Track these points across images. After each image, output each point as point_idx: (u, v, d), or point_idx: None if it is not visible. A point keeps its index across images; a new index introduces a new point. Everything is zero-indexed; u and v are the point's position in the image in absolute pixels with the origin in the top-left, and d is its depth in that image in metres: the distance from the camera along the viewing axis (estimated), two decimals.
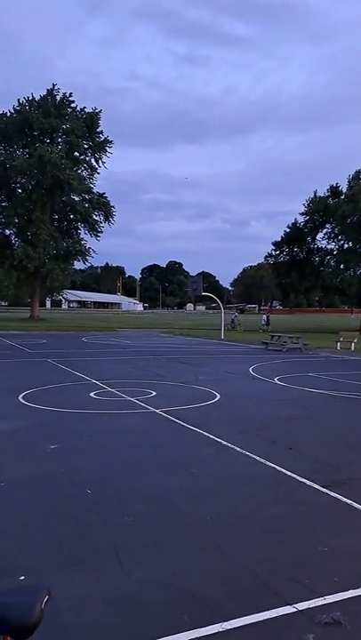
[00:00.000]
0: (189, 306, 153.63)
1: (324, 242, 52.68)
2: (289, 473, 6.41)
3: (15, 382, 13.52)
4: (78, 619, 3.33)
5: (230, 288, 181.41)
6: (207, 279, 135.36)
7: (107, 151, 55.16)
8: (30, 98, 52.73)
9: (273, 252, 55.79)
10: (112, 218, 55.98)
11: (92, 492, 5.63)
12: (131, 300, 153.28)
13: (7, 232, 55.21)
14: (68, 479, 6.07)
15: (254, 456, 7.12)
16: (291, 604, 3.49)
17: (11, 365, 17.64)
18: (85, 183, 54.27)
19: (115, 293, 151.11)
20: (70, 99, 53.66)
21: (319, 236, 52.76)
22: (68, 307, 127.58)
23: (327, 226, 51.48)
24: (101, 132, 54.72)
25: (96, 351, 23.88)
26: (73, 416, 9.72)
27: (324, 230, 51.97)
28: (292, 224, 53.35)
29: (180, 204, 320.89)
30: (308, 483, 6.05)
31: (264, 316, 48.99)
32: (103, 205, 55.27)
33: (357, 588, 3.74)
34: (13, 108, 52.44)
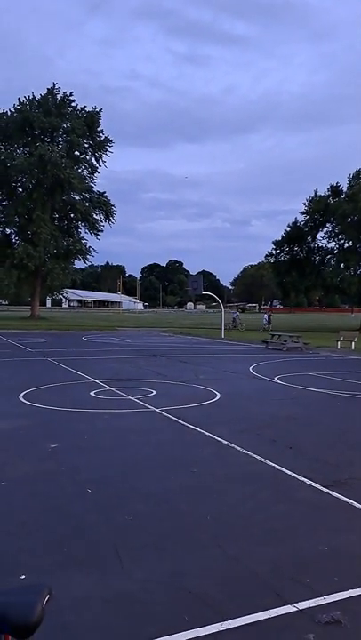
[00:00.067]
0: (190, 305, 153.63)
1: (325, 241, 52.72)
2: (289, 472, 6.41)
3: (16, 381, 13.52)
4: (79, 618, 3.34)
5: (231, 287, 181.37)
6: (207, 278, 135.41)
7: (107, 150, 55.11)
8: (31, 97, 52.68)
9: (273, 252, 55.80)
10: (112, 217, 55.97)
11: (93, 492, 5.64)
12: (131, 299, 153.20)
13: (8, 231, 55.24)
14: (69, 478, 6.08)
15: (255, 455, 7.12)
16: (291, 604, 3.50)
17: (11, 364, 17.64)
18: (86, 182, 54.22)
19: (115, 292, 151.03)
20: (71, 98, 53.62)
21: (320, 235, 52.79)
22: (69, 306, 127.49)
23: (328, 225, 51.46)
24: (102, 132, 54.70)
25: (96, 350, 23.88)
26: (73, 415, 9.73)
27: (325, 229, 51.97)
28: (293, 223, 53.34)
29: (180, 204, 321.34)
30: (308, 482, 6.06)
31: (265, 316, 48.98)
32: (104, 204, 55.24)
33: (357, 587, 3.75)
34: (14, 107, 52.42)
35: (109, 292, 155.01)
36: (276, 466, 6.66)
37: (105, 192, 56.07)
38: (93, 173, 55.78)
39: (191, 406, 10.63)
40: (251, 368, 17.41)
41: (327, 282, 50.39)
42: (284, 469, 6.52)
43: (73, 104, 53.78)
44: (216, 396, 11.89)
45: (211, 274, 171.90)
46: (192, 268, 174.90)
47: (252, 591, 3.71)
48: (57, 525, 4.78)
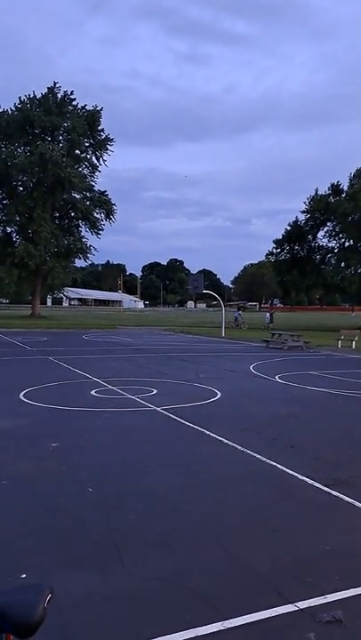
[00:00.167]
0: (190, 303, 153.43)
1: (325, 240, 52.79)
2: (290, 471, 6.41)
3: (16, 380, 13.53)
4: (80, 617, 3.34)
5: (231, 286, 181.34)
6: (208, 277, 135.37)
7: (108, 149, 55.14)
8: (32, 96, 52.72)
9: (274, 250, 55.86)
10: (113, 216, 55.99)
11: (93, 490, 5.64)
12: (132, 297, 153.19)
13: (8, 230, 55.32)
14: (69, 477, 6.08)
15: (255, 454, 7.12)
16: (292, 603, 3.50)
17: (12, 363, 17.64)
18: (86, 181, 54.25)
19: (116, 291, 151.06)
20: (71, 97, 53.65)
21: (320, 234, 52.86)
22: (69, 304, 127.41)
23: (328, 224, 51.50)
24: (102, 130, 54.71)
25: (97, 349, 23.89)
26: (74, 414, 9.73)
27: (325, 228, 52.05)
28: (293, 222, 53.37)
29: (181, 202, 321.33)
30: (309, 481, 6.06)
31: (268, 314, 48.97)
32: (104, 203, 55.25)
33: (359, 586, 3.74)
34: (15, 106, 52.45)
35: (110, 290, 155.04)
36: (277, 465, 6.66)
37: (105, 191, 56.17)
38: (94, 172, 55.87)
39: (192, 405, 10.63)
40: (251, 367, 17.41)
41: (328, 281, 50.41)
42: (285, 468, 6.52)
43: (74, 103, 53.88)
44: (217, 394, 11.88)
45: (211, 272, 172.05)
46: (193, 266, 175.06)
47: (253, 590, 3.71)
48: (57, 524, 4.78)
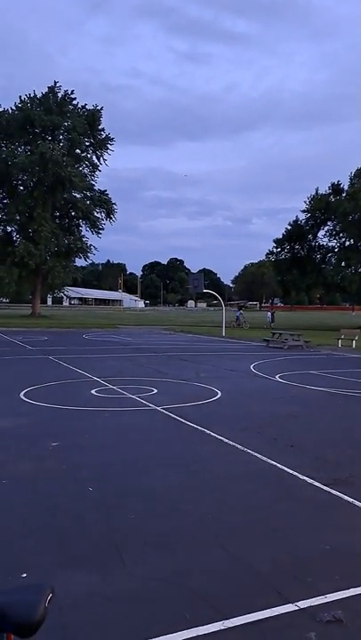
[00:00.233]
0: (190, 303, 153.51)
1: (326, 239, 52.81)
2: (290, 471, 6.41)
3: (17, 379, 13.53)
4: (80, 616, 3.34)
5: (231, 285, 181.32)
6: (208, 276, 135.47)
7: (108, 148, 55.16)
8: (32, 95, 52.73)
9: (274, 250, 55.89)
10: (113, 215, 56.00)
11: (94, 490, 5.64)
12: (132, 297, 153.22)
13: (9, 229, 55.32)
14: (70, 477, 6.09)
15: (255, 454, 7.12)
16: (292, 603, 3.50)
17: (12, 362, 17.64)
18: (87, 180, 54.27)
19: (116, 290, 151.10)
20: (72, 96, 53.69)
21: (321, 233, 52.89)
22: (70, 304, 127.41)
23: (329, 223, 51.53)
24: (103, 130, 54.74)
25: (97, 348, 23.89)
26: (74, 413, 9.73)
27: (326, 228, 52.05)
28: (294, 221, 53.38)
29: (181, 202, 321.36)
30: (309, 480, 6.06)
31: (269, 314, 48.95)
32: (104, 203, 55.26)
33: (359, 586, 3.75)
34: (15, 105, 52.50)
35: (110, 290, 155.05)
36: (277, 464, 6.67)
37: (106, 190, 56.20)
38: (94, 171, 55.90)
39: (192, 404, 10.64)
40: (252, 366, 17.41)
41: (328, 280, 50.40)
42: (285, 468, 6.53)
43: (74, 102, 53.88)
44: (217, 394, 11.89)
45: (212, 272, 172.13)
46: (193, 266, 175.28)
47: (254, 590, 3.71)
48: (58, 524, 4.79)
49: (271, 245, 56.47)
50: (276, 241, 55.08)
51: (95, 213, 54.96)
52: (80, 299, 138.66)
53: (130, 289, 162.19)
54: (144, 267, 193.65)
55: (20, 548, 4.28)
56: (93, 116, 53.54)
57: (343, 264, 49.26)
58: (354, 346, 26.56)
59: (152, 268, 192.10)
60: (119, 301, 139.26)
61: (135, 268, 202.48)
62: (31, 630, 1.38)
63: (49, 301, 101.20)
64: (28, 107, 51.78)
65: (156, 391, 12.05)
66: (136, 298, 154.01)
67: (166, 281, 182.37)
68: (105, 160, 55.55)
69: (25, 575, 3.82)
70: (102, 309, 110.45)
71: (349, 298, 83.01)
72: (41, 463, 6.58)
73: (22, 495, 5.49)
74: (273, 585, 3.77)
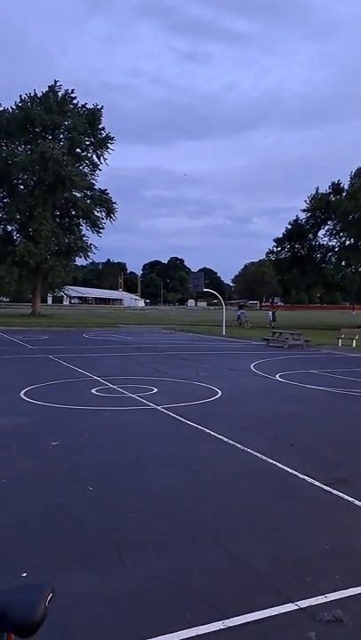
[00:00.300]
0: (191, 302, 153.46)
1: (326, 239, 52.72)
2: (290, 470, 6.42)
3: (17, 379, 13.53)
4: (80, 616, 3.35)
5: (232, 284, 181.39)
6: (209, 275, 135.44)
7: (108, 148, 55.06)
8: (32, 94, 52.67)
9: (274, 249, 55.79)
10: (114, 214, 55.91)
11: (94, 489, 5.64)
12: (132, 296, 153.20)
13: (9, 228, 55.22)
14: (70, 476, 6.09)
15: (255, 453, 7.13)
16: (292, 602, 3.50)
17: (12, 362, 17.65)
18: (87, 179, 54.19)
19: (116, 289, 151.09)
20: (72, 95, 53.60)
21: (321, 232, 52.79)
22: (70, 303, 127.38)
23: (329, 222, 51.46)
24: (103, 129, 54.62)
25: (98, 347, 23.89)
26: (75, 413, 9.74)
27: (326, 227, 51.98)
28: (294, 221, 53.31)
29: (181, 201, 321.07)
30: (309, 480, 6.06)
31: (270, 313, 48.93)
32: (105, 202, 55.20)
33: (359, 585, 3.75)
34: (15, 105, 52.41)
35: (111, 289, 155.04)
36: (278, 464, 6.67)
37: (106, 189, 56.08)
38: (95, 171, 55.81)
39: (192, 404, 10.64)
40: (252, 366, 17.41)
41: (328, 279, 50.35)
42: (285, 467, 6.53)
43: (74, 101, 53.80)
44: (217, 393, 11.89)
45: (212, 271, 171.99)
46: (193, 265, 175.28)
47: (254, 589, 3.71)
48: (58, 523, 4.79)
49: (271, 245, 56.39)
50: (277, 240, 55.03)
51: (95, 212, 54.89)
52: (80, 298, 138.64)
53: (130, 288, 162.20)
54: (144, 266, 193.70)
55: (19, 548, 4.28)
56: (94, 116, 53.49)
57: (343, 263, 49.19)
58: (354, 345, 26.55)
59: (152, 267, 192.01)
60: (119, 300, 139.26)
61: (135, 267, 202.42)
62: (31, 630, 1.38)
63: (49, 300, 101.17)
64: (28, 106, 51.72)
65: (156, 390, 12.05)
66: (136, 297, 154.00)
67: (166, 280, 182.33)
68: (105, 159, 55.54)
69: (25, 575, 3.82)
70: (102, 308, 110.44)
71: (350, 297, 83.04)
72: (41, 462, 6.59)
73: (22, 494, 5.50)
74: (273, 584, 3.77)
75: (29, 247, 49.32)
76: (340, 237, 51.05)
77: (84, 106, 53.95)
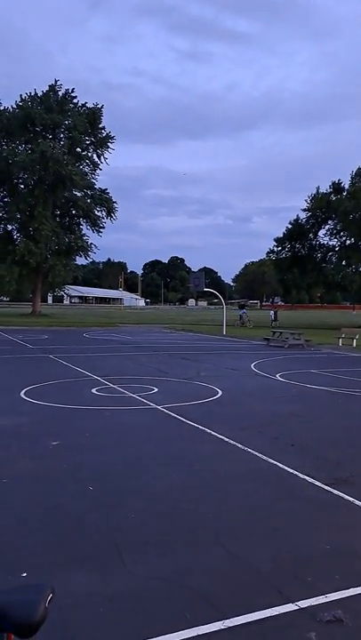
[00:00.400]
0: (191, 301, 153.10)
1: (326, 238, 52.75)
2: (291, 470, 6.41)
3: (17, 378, 13.53)
4: (80, 616, 3.34)
5: (232, 284, 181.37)
6: (209, 275, 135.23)
7: (109, 147, 55.06)
8: (33, 93, 52.66)
9: (275, 249, 55.84)
10: (114, 214, 55.92)
11: (94, 489, 5.64)
12: (133, 295, 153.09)
13: (9, 227, 55.21)
14: (70, 476, 6.09)
15: (256, 453, 7.12)
16: (293, 602, 3.50)
17: (12, 361, 17.65)
18: (87, 179, 54.20)
19: (117, 289, 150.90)
20: (72, 94, 53.60)
21: (321, 232, 52.84)
22: (70, 302, 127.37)
23: (329, 222, 51.50)
24: (103, 128, 54.62)
25: (98, 347, 23.89)
26: (75, 412, 9.74)
27: (326, 227, 52.01)
28: (294, 220, 53.35)
29: (182, 200, 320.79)
30: (310, 480, 6.06)
31: (272, 312, 48.93)
32: (105, 201, 55.20)
33: (359, 586, 3.74)
34: (16, 104, 52.42)
35: (111, 288, 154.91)
36: (278, 463, 6.66)
37: (107, 189, 56.10)
38: (95, 170, 55.83)
39: (193, 404, 10.63)
40: (252, 365, 17.41)
41: (329, 279, 50.38)
42: (285, 467, 6.52)
43: (75, 101, 53.79)
44: (218, 393, 11.89)
45: (212, 270, 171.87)
46: (194, 264, 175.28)
47: (254, 589, 3.71)
48: (58, 523, 4.79)
49: (272, 244, 56.41)
50: (277, 240, 55.05)
51: (96, 212, 54.90)
52: (80, 297, 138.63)
53: (130, 287, 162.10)
54: (145, 265, 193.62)
55: (19, 548, 4.28)
56: (94, 115, 53.49)
57: (344, 263, 49.21)
58: (354, 345, 26.54)
59: (153, 266, 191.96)
60: (120, 300, 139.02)
61: (136, 266, 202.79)
62: (31, 630, 1.38)
63: (49, 300, 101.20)
64: (28, 105, 51.70)
65: (156, 390, 12.05)
66: (137, 296, 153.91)
67: (167, 279, 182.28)
68: (106, 158, 55.53)
69: (25, 575, 3.82)
70: (103, 308, 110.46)
71: (350, 297, 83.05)
72: (41, 462, 6.58)
73: (22, 494, 5.49)
74: (273, 584, 3.77)
75: (30, 246, 49.32)
76: (341, 237, 51.09)
77: (84, 105, 53.96)
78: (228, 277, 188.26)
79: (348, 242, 50.40)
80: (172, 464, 6.67)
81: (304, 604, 3.49)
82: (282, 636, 3.20)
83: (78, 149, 54.06)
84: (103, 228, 55.48)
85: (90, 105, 53.96)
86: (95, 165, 55.61)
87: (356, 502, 5.39)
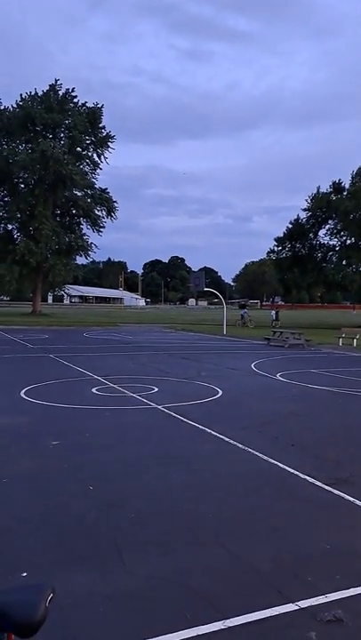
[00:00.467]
0: (191, 301, 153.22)
1: (327, 238, 52.75)
2: (291, 470, 6.41)
3: (17, 378, 13.54)
4: (80, 616, 3.34)
5: (232, 283, 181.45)
6: (209, 274, 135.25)
7: (109, 146, 55.09)
8: (33, 93, 52.68)
9: (275, 248, 55.84)
10: (114, 213, 55.97)
11: (94, 489, 5.64)
12: (133, 295, 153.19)
13: (10, 227, 55.24)
14: (70, 475, 6.09)
15: (256, 452, 7.12)
16: (293, 602, 3.50)
17: (13, 361, 17.65)
18: (88, 178, 54.23)
19: (117, 288, 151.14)
20: (73, 94, 53.63)
21: (321, 232, 52.83)
22: (70, 302, 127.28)
23: (330, 222, 51.49)
24: (104, 128, 54.67)
25: (98, 347, 23.89)
26: (75, 412, 9.74)
27: (327, 226, 52.00)
28: (295, 220, 53.35)
29: (182, 200, 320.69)
30: (310, 480, 6.06)
31: (273, 312, 48.89)
32: (105, 201, 55.23)
33: (359, 585, 3.74)
34: (16, 103, 52.49)
35: (111, 288, 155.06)
36: (278, 463, 6.66)
37: (107, 188, 56.17)
38: (95, 169, 55.89)
39: (193, 403, 10.63)
40: (253, 365, 17.41)
41: (329, 278, 50.40)
42: (285, 467, 6.52)
43: (75, 100, 53.80)
44: (218, 393, 11.89)
45: (213, 270, 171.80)
46: (194, 264, 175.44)
47: (254, 589, 3.71)
48: (58, 523, 4.79)
49: (272, 244, 56.42)
50: (277, 239, 55.05)
51: (96, 211, 54.94)
52: (81, 297, 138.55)
53: (131, 287, 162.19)
54: (145, 265, 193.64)
55: (20, 547, 4.28)
56: (94, 114, 53.51)
57: (344, 262, 49.22)
58: (355, 344, 26.54)
59: (153, 266, 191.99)
60: (120, 299, 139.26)
61: (136, 266, 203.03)
62: (32, 630, 1.38)
63: (49, 299, 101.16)
64: (28, 104, 51.72)
65: (156, 390, 12.05)
66: (137, 296, 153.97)
67: (167, 279, 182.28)
68: (106, 158, 55.58)
69: (25, 574, 3.82)
70: (103, 307, 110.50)
71: (350, 296, 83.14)
72: (41, 462, 6.59)
73: (23, 494, 5.49)
74: (274, 584, 3.77)
75: (30, 246, 49.35)
76: (341, 237, 51.09)
77: (84, 104, 53.98)
78: (228, 277, 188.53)
79: (348, 241, 50.40)
80: (173, 464, 6.67)
81: (304, 603, 3.49)
82: (282, 636, 3.20)
83: (78, 149, 54.11)
84: (103, 227, 55.62)
85: (90, 104, 54.08)
86: (95, 165, 55.69)
87: (357, 502, 5.39)
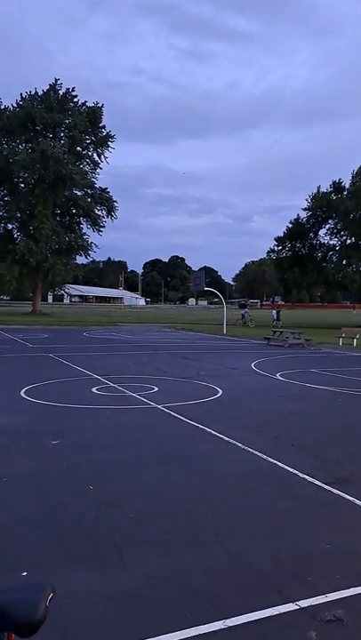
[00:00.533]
0: (191, 300, 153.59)
1: (327, 237, 52.75)
2: (291, 469, 6.41)
3: (17, 377, 13.53)
4: (80, 615, 3.34)
5: (232, 283, 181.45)
6: (209, 274, 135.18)
7: (109, 146, 55.11)
8: (33, 92, 52.68)
9: (275, 248, 55.85)
10: (114, 213, 55.99)
11: (94, 488, 5.64)
12: (133, 294, 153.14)
13: (10, 226, 55.27)
14: (70, 475, 6.08)
15: (256, 452, 7.12)
16: (293, 602, 3.49)
17: (12, 360, 17.65)
18: (88, 178, 54.25)
19: (117, 288, 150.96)
20: (73, 93, 53.65)
21: (322, 231, 52.84)
22: (70, 301, 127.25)
23: (330, 221, 51.48)
24: (104, 127, 54.69)
25: (98, 346, 23.89)
26: (75, 411, 9.73)
27: (327, 226, 52.00)
28: (295, 219, 53.35)
29: (182, 199, 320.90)
30: (310, 479, 6.06)
31: (274, 312, 48.87)
32: (105, 200, 55.25)
33: (359, 585, 3.74)
34: (16, 103, 52.50)
35: (111, 287, 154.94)
36: (278, 463, 6.66)
37: (107, 188, 56.24)
38: (95, 169, 55.92)
39: (193, 403, 10.63)
40: (253, 364, 17.40)
41: (329, 278, 50.40)
42: (285, 466, 6.52)
43: (75, 100, 53.80)
44: (218, 392, 11.88)
45: (213, 270, 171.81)
46: (194, 263, 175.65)
47: (254, 588, 3.71)
48: (58, 522, 4.78)
49: (272, 243, 56.44)
50: (278, 239, 55.05)
51: (96, 211, 54.96)
52: (81, 296, 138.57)
53: (131, 287, 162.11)
54: (145, 264, 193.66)
55: (19, 547, 4.27)
56: (94, 114, 53.52)
57: (344, 262, 49.23)
58: (355, 344, 26.53)
59: (153, 265, 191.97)
60: (120, 299, 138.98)
61: (136, 265, 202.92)
62: (32, 629, 1.38)
63: (49, 299, 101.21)
64: (29, 104, 51.73)
65: (156, 389, 12.04)
66: (137, 295, 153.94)
67: (167, 279, 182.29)
68: (106, 157, 55.61)
69: (25, 574, 3.82)
70: (103, 307, 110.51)
71: (350, 296, 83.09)
72: (41, 461, 6.58)
73: (22, 493, 5.49)
74: (273, 584, 3.76)
75: (30, 245, 49.36)
76: (341, 236, 51.08)
77: (84, 104, 53.98)
78: (228, 276, 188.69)
79: (348, 241, 50.39)
80: (172, 463, 6.67)
81: (304, 603, 3.48)
82: (282, 636, 3.19)
83: (78, 148, 54.12)
84: (103, 227, 55.65)
85: (90, 104, 54.09)
86: (95, 164, 55.71)
87: (357, 502, 5.39)
